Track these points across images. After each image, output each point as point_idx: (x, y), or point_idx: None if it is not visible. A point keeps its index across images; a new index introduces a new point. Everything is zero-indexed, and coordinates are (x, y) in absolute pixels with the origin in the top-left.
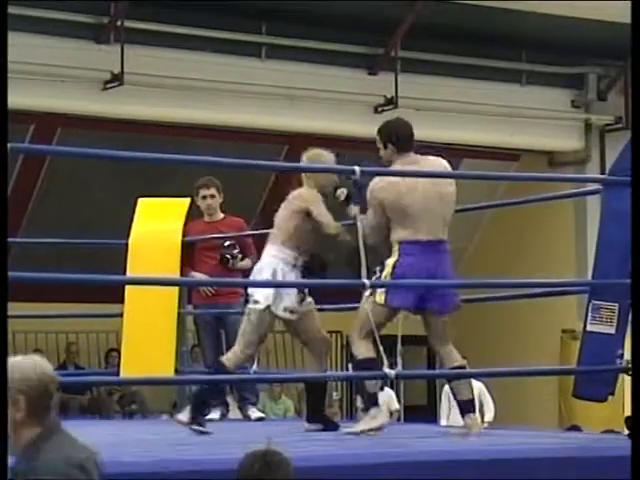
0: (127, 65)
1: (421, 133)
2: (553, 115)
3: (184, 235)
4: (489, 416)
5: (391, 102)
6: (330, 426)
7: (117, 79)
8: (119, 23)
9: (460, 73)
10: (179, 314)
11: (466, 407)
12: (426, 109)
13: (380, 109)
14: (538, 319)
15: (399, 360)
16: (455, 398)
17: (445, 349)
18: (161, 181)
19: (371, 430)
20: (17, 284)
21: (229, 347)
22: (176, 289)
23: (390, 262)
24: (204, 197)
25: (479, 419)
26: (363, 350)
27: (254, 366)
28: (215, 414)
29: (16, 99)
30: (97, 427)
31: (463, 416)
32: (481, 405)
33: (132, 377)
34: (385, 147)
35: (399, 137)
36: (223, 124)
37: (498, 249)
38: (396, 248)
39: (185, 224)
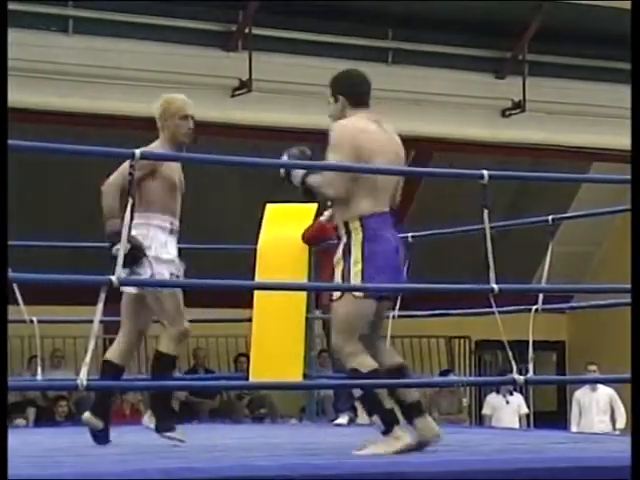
0: (255, 72)
1: (550, 137)
2: None
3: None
4: (621, 422)
5: (519, 106)
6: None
7: (245, 86)
8: (247, 30)
9: (589, 76)
10: (306, 319)
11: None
12: (554, 112)
13: (508, 113)
14: None
15: (530, 366)
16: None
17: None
18: (284, 187)
19: (395, 453)
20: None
21: None
22: (304, 294)
23: (356, 241)
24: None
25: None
26: (366, 361)
27: None
28: (343, 419)
29: (148, 107)
30: (227, 431)
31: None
32: (612, 411)
33: (261, 382)
34: (336, 100)
35: (354, 88)
36: None
37: (629, 253)
38: (357, 225)
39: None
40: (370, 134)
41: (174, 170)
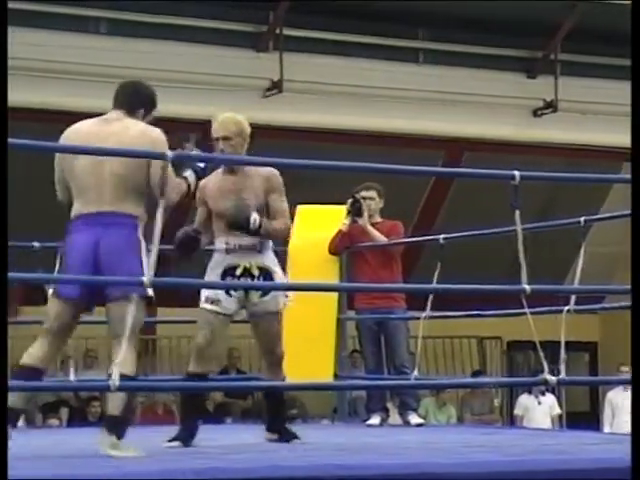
0: (286, 72)
1: (582, 137)
2: None
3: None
4: None
5: (550, 105)
6: (286, 437)
7: (276, 87)
8: (278, 31)
9: (621, 75)
10: (338, 319)
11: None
12: (587, 112)
13: (539, 112)
14: None
15: (562, 367)
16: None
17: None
18: (315, 188)
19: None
20: (170, 290)
21: (388, 352)
22: (335, 295)
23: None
24: (364, 199)
25: None
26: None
27: (415, 372)
28: (375, 419)
29: (179, 108)
30: (258, 431)
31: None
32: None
33: (292, 382)
34: None
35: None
36: (380, 130)
37: None
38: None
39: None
40: (79, 132)
41: None
